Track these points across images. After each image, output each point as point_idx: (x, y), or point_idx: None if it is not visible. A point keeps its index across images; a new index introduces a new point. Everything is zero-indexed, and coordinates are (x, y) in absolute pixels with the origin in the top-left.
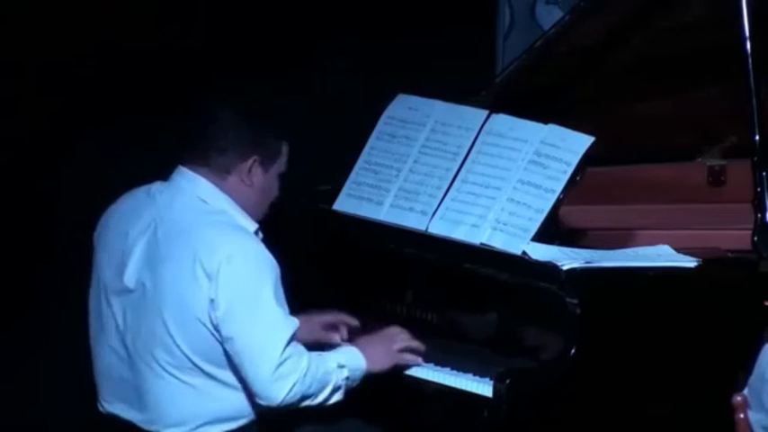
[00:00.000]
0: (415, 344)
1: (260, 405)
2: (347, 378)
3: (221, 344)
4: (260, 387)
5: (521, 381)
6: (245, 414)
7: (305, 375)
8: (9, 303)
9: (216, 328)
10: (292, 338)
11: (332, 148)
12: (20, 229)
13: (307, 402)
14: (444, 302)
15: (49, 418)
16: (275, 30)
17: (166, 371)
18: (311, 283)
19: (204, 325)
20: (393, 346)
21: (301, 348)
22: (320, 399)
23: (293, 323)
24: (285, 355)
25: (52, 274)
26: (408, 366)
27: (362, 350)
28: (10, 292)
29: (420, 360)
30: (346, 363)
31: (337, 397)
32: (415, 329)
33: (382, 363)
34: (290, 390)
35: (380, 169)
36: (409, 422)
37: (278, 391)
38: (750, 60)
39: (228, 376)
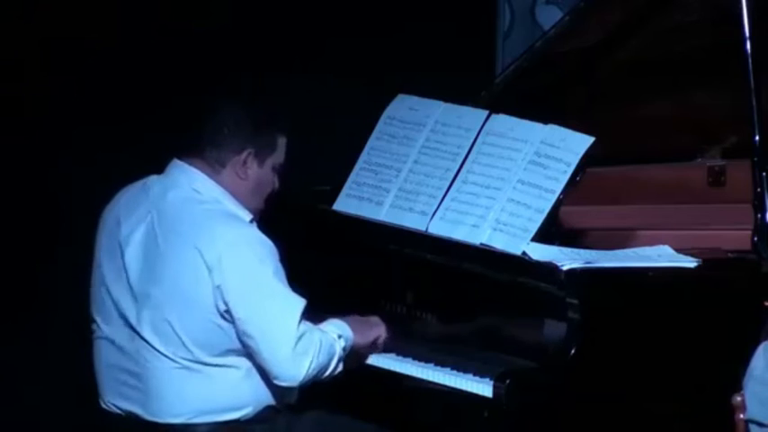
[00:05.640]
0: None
1: (263, 396)
2: (344, 349)
3: (224, 333)
4: (280, 368)
5: (521, 381)
6: (248, 404)
7: (320, 349)
8: (9, 303)
9: (223, 316)
10: (303, 316)
11: (331, 148)
12: (21, 227)
13: (320, 376)
14: (444, 303)
15: (49, 417)
16: (276, 28)
17: (169, 358)
18: (311, 284)
19: (207, 314)
20: (371, 320)
21: (310, 324)
22: (329, 371)
23: (301, 301)
24: (300, 333)
25: (53, 273)
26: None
27: (346, 322)
28: (10, 292)
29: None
30: (342, 333)
31: (339, 368)
32: (415, 329)
33: (365, 334)
34: (310, 365)
35: (380, 169)
36: (409, 422)
37: (298, 369)
38: (750, 60)
39: (229, 364)
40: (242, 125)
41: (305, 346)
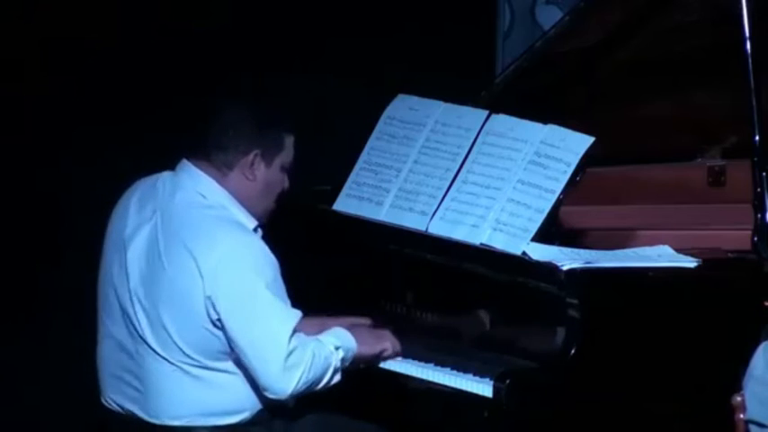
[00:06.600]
0: (396, 345)
1: (261, 400)
2: (343, 359)
3: (219, 339)
4: (269, 381)
5: (521, 381)
6: (246, 408)
7: (312, 364)
8: (9, 303)
9: (215, 324)
10: (295, 330)
11: (331, 148)
12: (21, 228)
13: (313, 389)
14: (444, 303)
15: (49, 417)
16: (276, 28)
17: (167, 361)
18: (311, 284)
19: (200, 321)
20: (382, 332)
21: (304, 337)
22: (323, 383)
23: (295, 315)
24: (290, 347)
25: (54, 273)
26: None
27: (351, 331)
28: (10, 292)
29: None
30: (341, 344)
31: (336, 379)
32: (415, 330)
33: (370, 344)
34: (299, 380)
35: (380, 169)
36: (409, 422)
37: (287, 383)
38: (750, 60)
39: (228, 368)
40: (246, 126)
41: (295, 360)
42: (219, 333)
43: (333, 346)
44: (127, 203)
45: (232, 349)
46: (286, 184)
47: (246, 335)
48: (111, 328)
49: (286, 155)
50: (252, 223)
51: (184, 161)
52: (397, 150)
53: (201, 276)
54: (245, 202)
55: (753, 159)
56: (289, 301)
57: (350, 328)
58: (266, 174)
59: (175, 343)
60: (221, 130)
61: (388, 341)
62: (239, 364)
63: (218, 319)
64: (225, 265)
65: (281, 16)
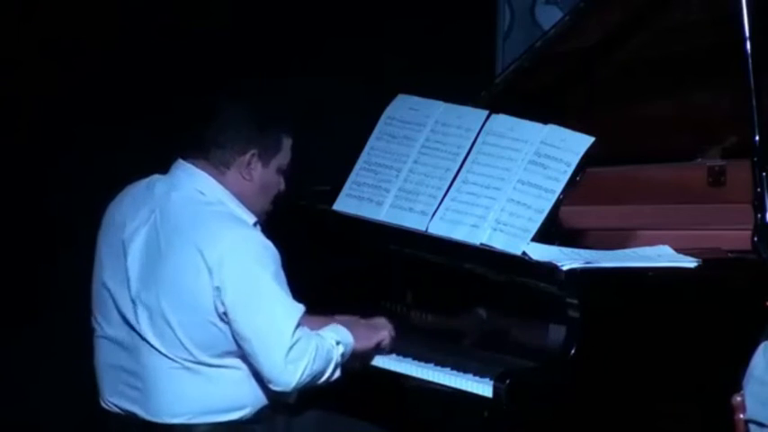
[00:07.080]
0: (392, 332)
1: (263, 396)
2: (343, 354)
3: (223, 335)
4: (273, 373)
5: (521, 381)
6: (247, 405)
7: (315, 356)
8: (9, 303)
9: (221, 318)
10: (300, 323)
11: (331, 148)
12: (21, 228)
13: (315, 382)
14: (444, 303)
15: (49, 417)
16: (276, 28)
17: (168, 358)
18: (311, 284)
19: (206, 315)
20: (377, 323)
21: (307, 330)
22: (325, 377)
23: (299, 308)
24: (294, 339)
25: (53, 273)
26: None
27: (347, 327)
28: (10, 292)
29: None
30: (340, 339)
31: (337, 374)
32: (415, 329)
33: (368, 338)
34: (303, 372)
35: (380, 169)
36: (409, 422)
37: (291, 375)
38: (750, 60)
39: (230, 364)
40: (246, 126)
41: (299, 352)
42: (224, 327)
43: (333, 341)
44: (119, 208)
45: (237, 345)
46: (282, 186)
47: (251, 326)
48: (108, 330)
49: (283, 156)
50: (251, 219)
51: (180, 160)
52: (397, 150)
53: (208, 269)
54: (242, 200)
55: (753, 159)
56: (290, 294)
57: (346, 324)
58: (263, 174)
59: (179, 340)
60: (220, 127)
61: (384, 331)
62: (242, 359)
63: (224, 313)
64: (230, 258)
65: (280, 16)
